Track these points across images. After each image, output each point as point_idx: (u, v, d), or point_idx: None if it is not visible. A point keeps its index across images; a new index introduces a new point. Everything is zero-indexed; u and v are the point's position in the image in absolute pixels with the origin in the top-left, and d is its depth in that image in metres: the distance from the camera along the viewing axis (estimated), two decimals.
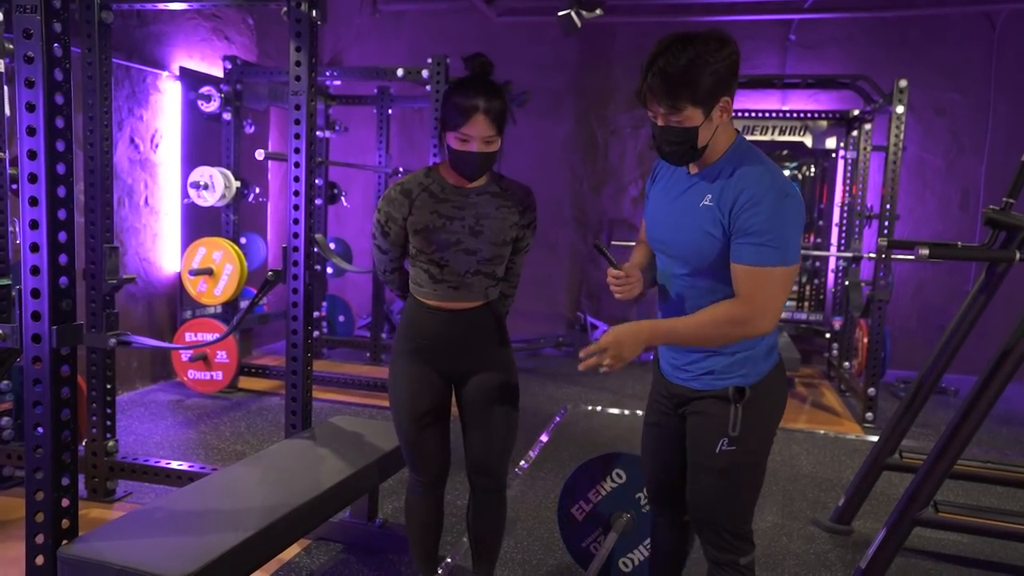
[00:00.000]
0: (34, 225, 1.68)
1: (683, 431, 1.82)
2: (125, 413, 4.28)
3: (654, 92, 1.55)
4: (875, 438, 3.26)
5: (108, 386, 3.06)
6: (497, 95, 1.96)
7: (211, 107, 4.93)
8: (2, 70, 2.79)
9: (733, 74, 1.57)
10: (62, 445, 1.76)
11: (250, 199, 5.00)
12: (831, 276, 6.12)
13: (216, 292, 4.61)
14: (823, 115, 5.88)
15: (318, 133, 5.56)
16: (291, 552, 2.70)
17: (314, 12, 2.68)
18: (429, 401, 2.10)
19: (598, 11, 4.76)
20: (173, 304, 5.03)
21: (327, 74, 5.03)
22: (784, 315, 5.99)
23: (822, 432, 4.54)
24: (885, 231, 4.52)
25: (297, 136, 2.69)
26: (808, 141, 5.96)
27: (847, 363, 5.53)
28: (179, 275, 4.88)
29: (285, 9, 2.68)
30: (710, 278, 1.66)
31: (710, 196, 1.62)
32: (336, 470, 2.36)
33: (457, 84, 1.98)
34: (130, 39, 4.59)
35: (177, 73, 4.95)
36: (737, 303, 1.60)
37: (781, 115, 5.94)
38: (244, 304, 5.00)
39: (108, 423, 3.09)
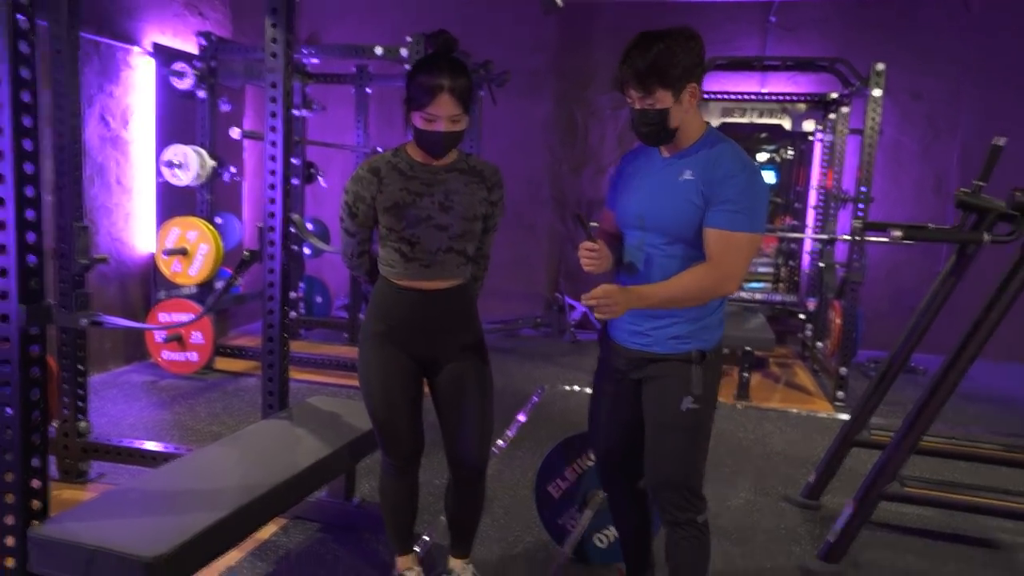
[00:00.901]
0: (0, 203, 1.65)
1: (637, 396, 1.95)
2: (98, 394, 4.23)
3: (629, 78, 1.77)
4: (846, 416, 3.33)
5: (80, 367, 3.02)
6: (462, 72, 1.95)
7: (185, 84, 4.84)
8: None
9: (699, 64, 1.79)
10: (31, 426, 1.75)
11: (225, 178, 4.93)
12: (806, 258, 6.19)
13: (191, 272, 4.56)
14: (801, 98, 5.91)
15: (295, 112, 5.48)
16: (268, 531, 2.70)
17: None
18: (400, 385, 2.10)
19: None
20: (147, 284, 4.97)
21: (304, 52, 4.96)
22: (759, 296, 6.06)
23: (794, 411, 4.61)
24: (860, 213, 4.58)
25: (273, 115, 2.66)
26: (786, 124, 6.00)
27: (820, 343, 5.61)
28: (153, 255, 4.81)
29: None
30: (685, 245, 1.82)
31: (689, 172, 1.80)
32: (313, 450, 2.36)
33: (421, 63, 1.97)
34: (100, 12, 4.48)
35: (150, 49, 4.85)
36: (710, 266, 1.78)
37: (760, 97, 5.96)
38: (220, 285, 4.95)
39: (80, 404, 3.06)
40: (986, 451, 3.17)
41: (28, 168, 1.67)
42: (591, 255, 1.85)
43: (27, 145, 1.67)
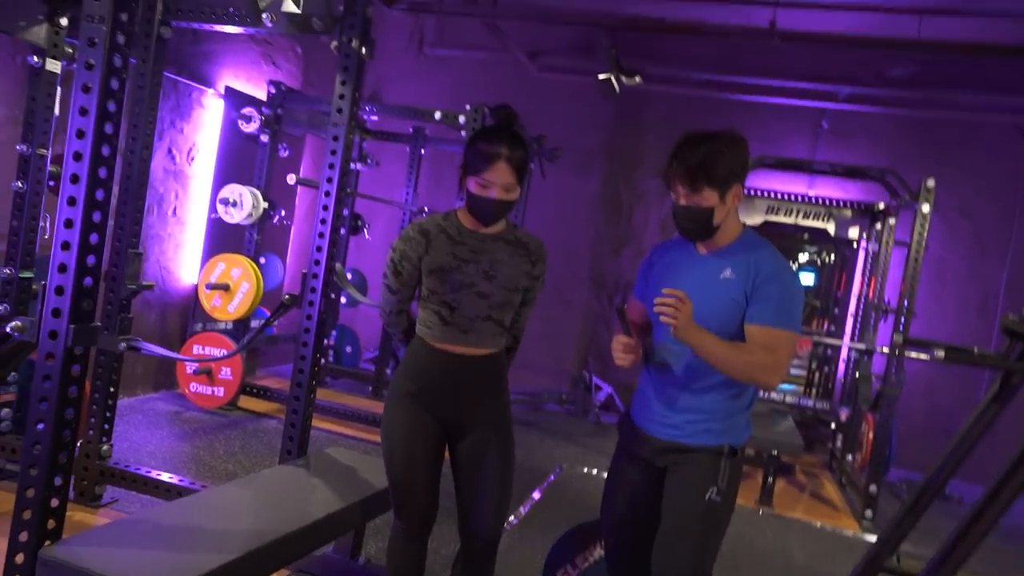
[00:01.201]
0: (68, 224, 1.71)
1: (658, 487, 1.92)
2: (123, 418, 4.26)
3: (678, 174, 1.82)
4: (873, 537, 3.20)
5: (111, 389, 3.06)
6: (520, 145, 2.01)
7: (250, 128, 5.05)
8: (58, 71, 2.88)
9: (744, 167, 1.85)
10: (61, 444, 1.76)
11: (275, 221, 5.07)
12: (842, 366, 6.07)
13: (230, 308, 4.64)
14: (848, 204, 5.91)
15: (351, 165, 5.66)
16: None
17: (363, 49, 2.76)
18: (423, 448, 2.08)
19: (637, 78, 4.88)
20: (186, 315, 5.06)
21: (367, 109, 5.15)
22: (789, 399, 5.93)
23: (818, 525, 4.44)
24: (901, 327, 4.50)
25: (331, 166, 2.75)
26: (831, 228, 5.99)
27: (850, 456, 5.44)
28: (195, 287, 4.92)
29: (335, 43, 2.76)
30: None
31: (729, 270, 1.84)
32: (326, 502, 2.34)
33: (482, 131, 2.05)
34: (181, 54, 4.73)
35: (222, 91, 5.08)
36: (764, 353, 1.79)
37: (807, 199, 5.98)
38: (255, 324, 5.02)
39: (106, 427, 3.09)
40: None
41: (99, 194, 1.74)
42: (627, 349, 1.89)
43: (102, 173, 1.74)
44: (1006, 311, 2.57)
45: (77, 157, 1.71)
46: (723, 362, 1.81)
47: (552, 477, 4.51)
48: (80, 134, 1.70)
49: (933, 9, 4.42)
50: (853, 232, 5.99)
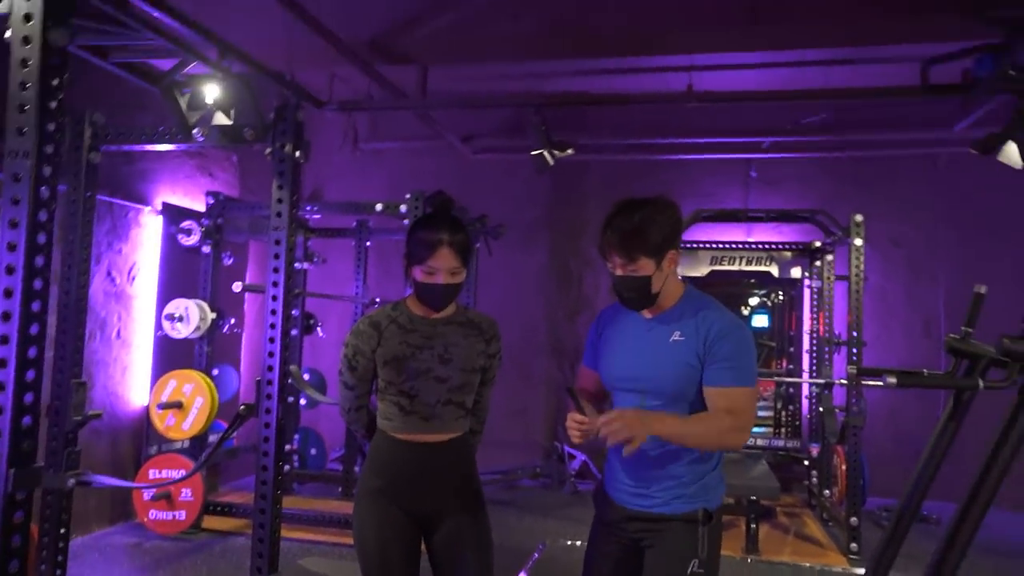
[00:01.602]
0: (2, 364, 1.66)
1: (637, 556, 1.89)
2: (78, 559, 4.02)
3: (613, 246, 1.83)
4: (861, 570, 3.17)
5: (62, 530, 2.91)
6: (460, 229, 2.05)
7: (191, 240, 5.02)
8: None
9: (676, 231, 1.87)
10: None
11: (225, 330, 4.99)
12: (805, 402, 6.15)
13: (184, 426, 4.49)
14: (787, 246, 6.12)
15: (296, 264, 5.65)
16: None
17: (297, 152, 2.81)
18: (397, 546, 2.02)
19: (569, 150, 5.03)
20: (139, 439, 4.88)
21: (307, 208, 5.18)
22: (760, 442, 5.96)
23: (807, 565, 4.39)
24: (854, 358, 4.60)
25: (276, 270, 2.75)
26: (774, 270, 6.17)
27: (827, 491, 5.44)
28: (147, 408, 4.76)
29: (269, 150, 2.80)
30: (684, 407, 1.83)
31: (678, 332, 1.83)
32: None
33: (421, 220, 2.08)
34: (115, 176, 4.72)
35: (159, 208, 5.06)
36: (728, 417, 1.79)
37: (747, 246, 6.17)
38: (213, 438, 4.86)
39: (58, 572, 2.91)
40: None
41: (33, 329, 1.70)
42: (581, 428, 1.84)
43: (35, 306, 1.70)
44: (948, 331, 2.66)
45: (8, 294, 1.67)
46: (692, 438, 1.80)
47: (536, 555, 4.38)
48: (10, 270, 1.67)
49: (839, 60, 4.73)
50: (795, 272, 6.18)
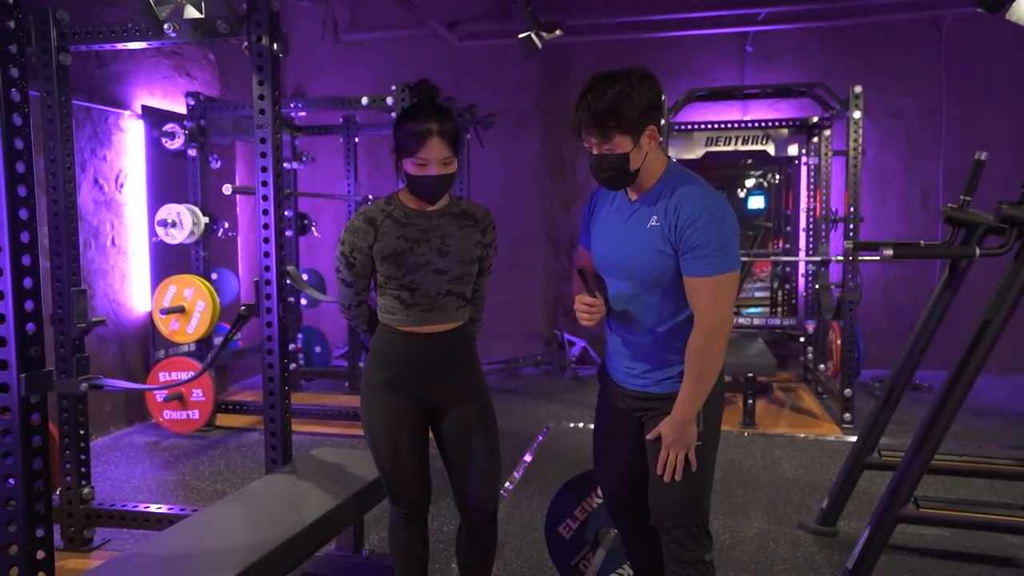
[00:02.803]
0: None
1: (639, 435, 1.92)
2: (100, 458, 4.18)
3: (586, 124, 1.73)
4: (854, 438, 3.31)
5: (81, 432, 2.99)
6: (448, 117, 1.98)
7: (175, 144, 4.90)
8: None
9: (656, 105, 1.73)
10: (35, 496, 1.72)
11: (219, 234, 4.96)
12: (801, 281, 6.21)
13: (189, 330, 4.55)
14: (783, 123, 5.99)
15: (285, 164, 5.54)
16: None
17: (275, 45, 2.68)
18: (406, 433, 2.08)
19: (557, 32, 4.84)
20: (145, 345, 4.95)
21: (291, 106, 5.03)
22: (757, 321, 6.06)
23: (802, 436, 4.58)
24: (851, 234, 4.61)
25: (264, 169, 2.69)
26: (771, 149, 6.07)
27: (822, 365, 5.60)
28: (150, 315, 4.81)
29: (246, 44, 2.68)
30: (661, 295, 1.80)
31: (655, 217, 1.77)
32: (319, 503, 2.33)
33: (407, 111, 2.01)
34: (90, 80, 4.55)
35: (139, 112, 4.91)
36: (699, 327, 1.75)
37: (743, 125, 6.05)
38: (218, 340, 4.93)
39: (83, 470, 3.02)
40: (1000, 466, 3.14)
41: (24, 237, 1.68)
42: (592, 310, 1.83)
43: (23, 214, 1.67)
44: (946, 203, 2.65)
45: None
46: (701, 384, 1.77)
47: (540, 438, 4.56)
48: None
49: None
50: (792, 150, 6.08)
